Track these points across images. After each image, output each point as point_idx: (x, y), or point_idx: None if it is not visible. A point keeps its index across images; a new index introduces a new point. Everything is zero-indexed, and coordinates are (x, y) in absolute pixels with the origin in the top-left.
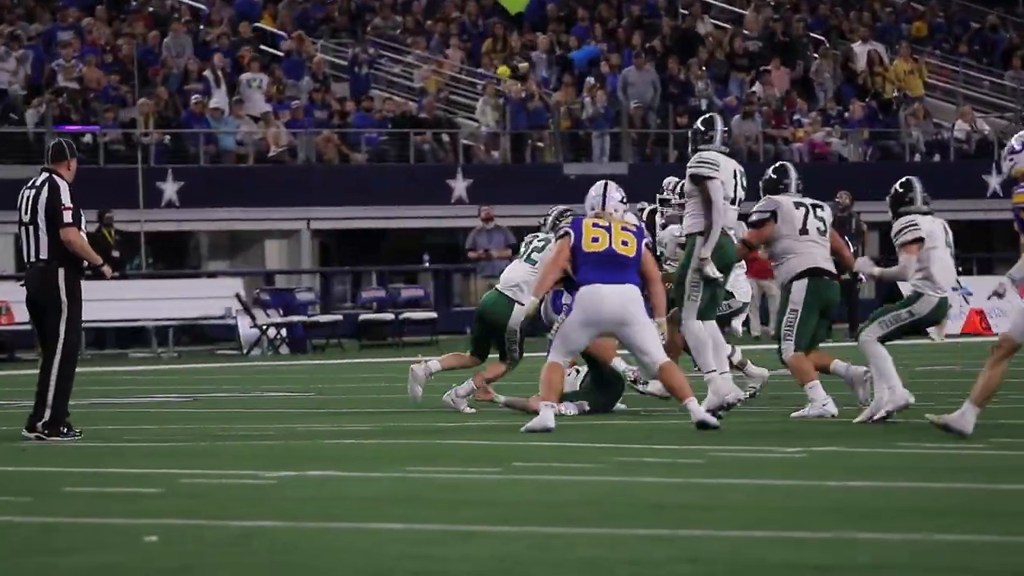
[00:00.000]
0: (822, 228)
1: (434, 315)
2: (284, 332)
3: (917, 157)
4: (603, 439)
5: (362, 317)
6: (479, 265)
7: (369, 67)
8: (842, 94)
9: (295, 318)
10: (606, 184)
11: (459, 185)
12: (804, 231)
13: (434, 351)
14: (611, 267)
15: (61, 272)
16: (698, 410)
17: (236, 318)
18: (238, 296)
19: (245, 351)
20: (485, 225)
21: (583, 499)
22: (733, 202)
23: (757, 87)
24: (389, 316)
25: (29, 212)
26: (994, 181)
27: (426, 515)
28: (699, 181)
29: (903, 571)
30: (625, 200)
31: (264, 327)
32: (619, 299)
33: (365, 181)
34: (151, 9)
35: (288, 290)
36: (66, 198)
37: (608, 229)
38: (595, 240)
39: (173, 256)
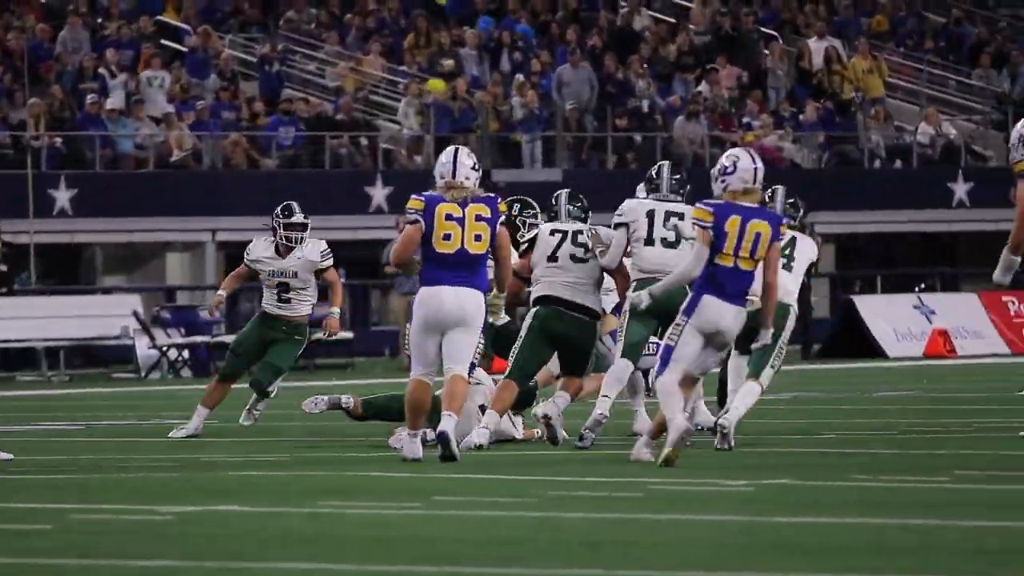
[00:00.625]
0: (577, 255)
1: (350, 335)
2: (186, 354)
3: (877, 163)
4: (532, 471)
5: None
6: (397, 281)
7: (281, 64)
8: (795, 94)
9: (198, 338)
10: (456, 150)
11: (378, 193)
12: (553, 258)
13: (350, 374)
14: (460, 269)
15: None
16: (446, 429)
17: (134, 338)
18: (136, 314)
19: (143, 374)
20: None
21: (511, 536)
22: (650, 242)
23: (703, 87)
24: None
25: None
26: (960, 190)
27: (339, 554)
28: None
29: None
30: (478, 167)
31: (164, 348)
32: (460, 301)
33: (276, 188)
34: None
35: (191, 307)
36: None
37: (462, 222)
38: (446, 238)
39: (65, 270)
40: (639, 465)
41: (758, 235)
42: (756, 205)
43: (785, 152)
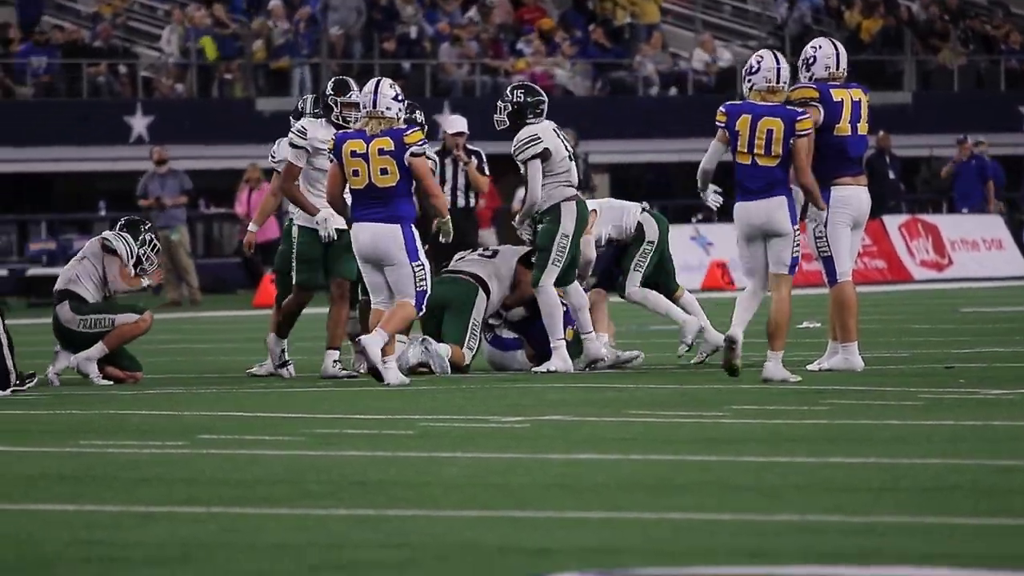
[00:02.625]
0: None
1: None
2: None
3: (653, 90)
4: (300, 408)
5: (30, 272)
6: (152, 215)
7: None
8: (568, 21)
9: None
10: (379, 81)
11: (139, 123)
12: None
13: None
14: (373, 202)
15: None
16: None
17: None
18: None
19: None
20: (158, 169)
21: (277, 476)
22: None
23: (473, 12)
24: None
25: None
26: None
27: (100, 495)
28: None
29: (633, 554)
30: (401, 97)
31: None
32: (373, 238)
33: (32, 118)
34: None
35: None
36: None
37: (366, 157)
38: (355, 174)
39: None
40: (409, 401)
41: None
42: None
43: (557, 80)
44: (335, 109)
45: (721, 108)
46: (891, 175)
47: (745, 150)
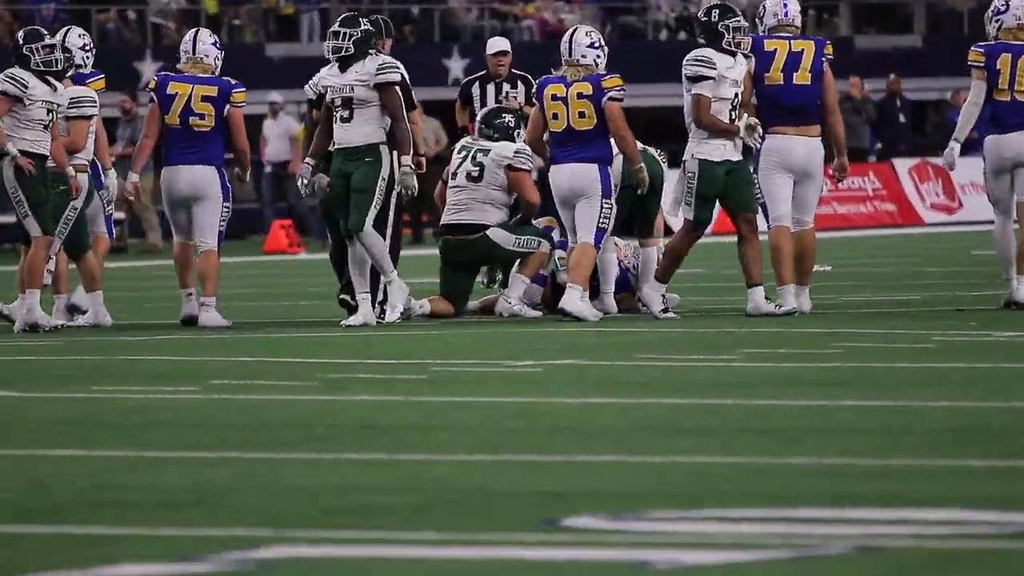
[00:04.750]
0: (474, 174)
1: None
2: None
3: (663, 35)
4: (312, 353)
5: None
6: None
7: None
8: None
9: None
10: (575, 30)
11: (148, 69)
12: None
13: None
14: (572, 145)
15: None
16: (574, 303)
17: None
18: None
19: None
20: (125, 117)
21: (289, 420)
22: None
23: None
24: None
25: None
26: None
27: (112, 440)
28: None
29: (646, 498)
30: (597, 44)
31: None
32: (570, 176)
33: None
34: None
35: None
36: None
37: (565, 101)
38: (555, 117)
39: None
40: (420, 345)
41: None
42: None
43: (567, 24)
44: (33, 57)
45: (976, 48)
46: (902, 119)
47: (1006, 87)
